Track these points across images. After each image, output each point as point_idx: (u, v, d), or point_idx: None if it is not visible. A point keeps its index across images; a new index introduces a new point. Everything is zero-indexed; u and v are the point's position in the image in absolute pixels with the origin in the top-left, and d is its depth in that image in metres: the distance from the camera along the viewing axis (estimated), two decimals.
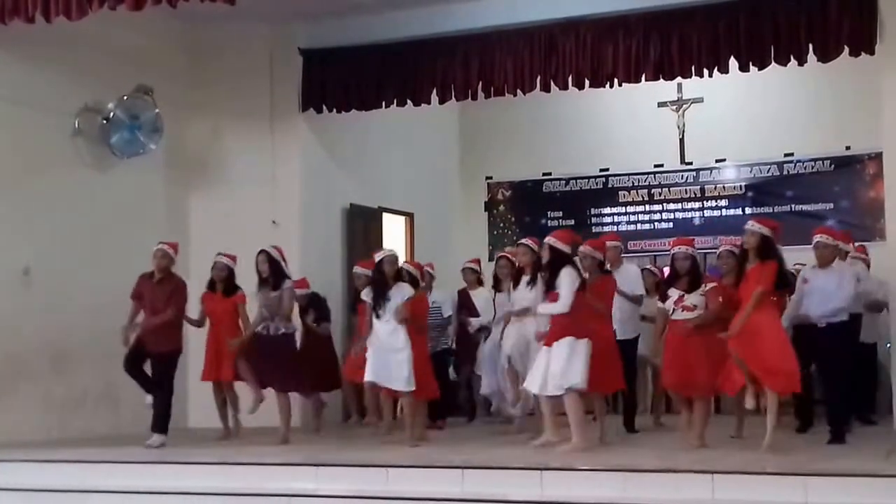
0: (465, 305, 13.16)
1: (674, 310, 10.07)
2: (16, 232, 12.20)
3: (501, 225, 17.11)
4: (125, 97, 13.26)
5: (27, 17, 11.21)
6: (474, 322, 12.87)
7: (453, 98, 14.21)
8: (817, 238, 10.63)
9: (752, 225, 9.68)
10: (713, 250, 16.03)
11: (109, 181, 13.41)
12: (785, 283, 10.11)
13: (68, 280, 12.18)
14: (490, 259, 14.82)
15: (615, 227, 16.27)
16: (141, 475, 9.80)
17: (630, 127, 16.92)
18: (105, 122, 13.20)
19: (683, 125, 16.69)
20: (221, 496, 9.19)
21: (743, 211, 16.38)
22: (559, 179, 17.43)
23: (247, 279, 11.97)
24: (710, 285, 10.22)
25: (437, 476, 8.90)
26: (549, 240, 10.15)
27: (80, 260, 12.42)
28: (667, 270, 11.75)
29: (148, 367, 11.17)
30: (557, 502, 8.33)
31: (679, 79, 13.73)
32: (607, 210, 16.78)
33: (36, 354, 12.14)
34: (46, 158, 12.77)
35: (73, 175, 13.07)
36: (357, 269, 12.64)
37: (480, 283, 13.43)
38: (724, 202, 16.63)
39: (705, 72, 12.87)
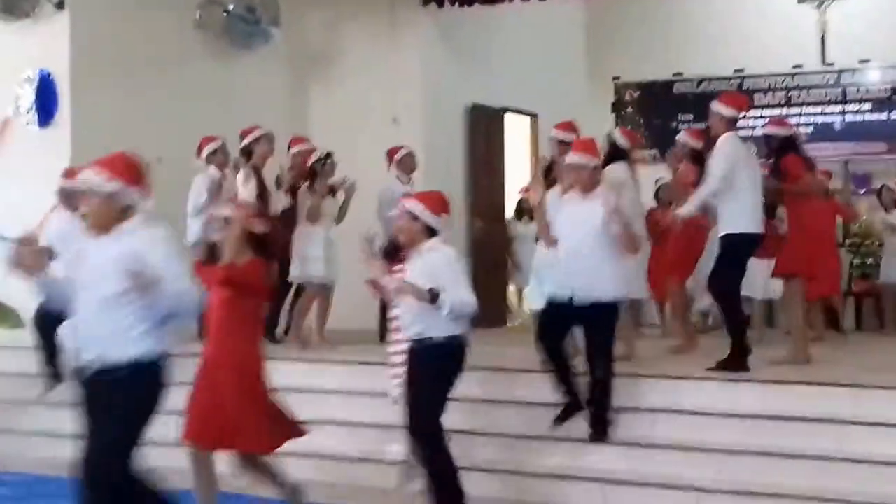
0: None
1: None
2: (146, 123, 12.39)
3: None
4: None
5: None
6: None
7: None
8: None
9: None
10: (855, 156, 16.01)
11: (231, 73, 13.69)
12: None
13: (189, 172, 12.02)
14: None
15: (751, 131, 16.07)
16: None
17: (767, 25, 16.89)
18: (226, 14, 13.36)
19: (825, 23, 16.60)
20: None
21: (888, 116, 16.48)
22: (690, 80, 17.49)
23: (364, 174, 12.21)
24: None
25: None
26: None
27: None
28: None
29: None
30: None
31: None
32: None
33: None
34: (170, 51, 13.01)
35: (196, 67, 13.32)
36: None
37: None
38: (867, 106, 16.71)
39: None
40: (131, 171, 6.36)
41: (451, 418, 7.70)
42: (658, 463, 8.52)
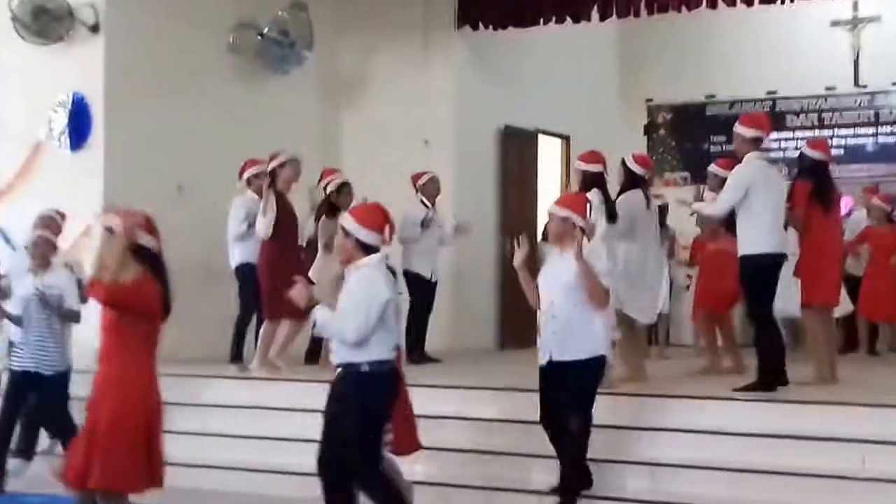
0: None
1: None
2: (180, 146, 12.56)
3: (661, 150, 17.22)
4: (280, 13, 13.44)
5: None
6: None
7: (614, 15, 14.27)
8: None
9: None
10: (888, 178, 15.96)
11: (263, 97, 13.69)
12: None
13: (221, 196, 12.02)
14: None
15: (782, 152, 16.10)
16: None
17: (800, 48, 16.71)
18: (259, 37, 13.40)
19: (858, 46, 16.46)
20: None
21: None
22: (723, 102, 17.34)
23: (396, 198, 11.85)
24: None
25: None
26: None
27: (233, 176, 12.32)
28: None
29: None
30: None
31: None
32: (774, 135, 15.87)
33: (193, 269, 11.93)
34: (204, 74, 13.05)
35: (230, 90, 13.35)
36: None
37: None
38: None
39: None
40: None
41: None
42: (681, 483, 8.47)
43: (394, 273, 7.43)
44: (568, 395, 8.10)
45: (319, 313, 6.99)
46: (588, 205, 8.57)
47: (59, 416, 9.48)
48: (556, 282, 8.08)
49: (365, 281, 6.84)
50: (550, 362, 8.03)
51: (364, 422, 6.84)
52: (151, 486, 6.74)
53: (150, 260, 6.70)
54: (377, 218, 7.04)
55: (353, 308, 6.76)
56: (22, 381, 9.44)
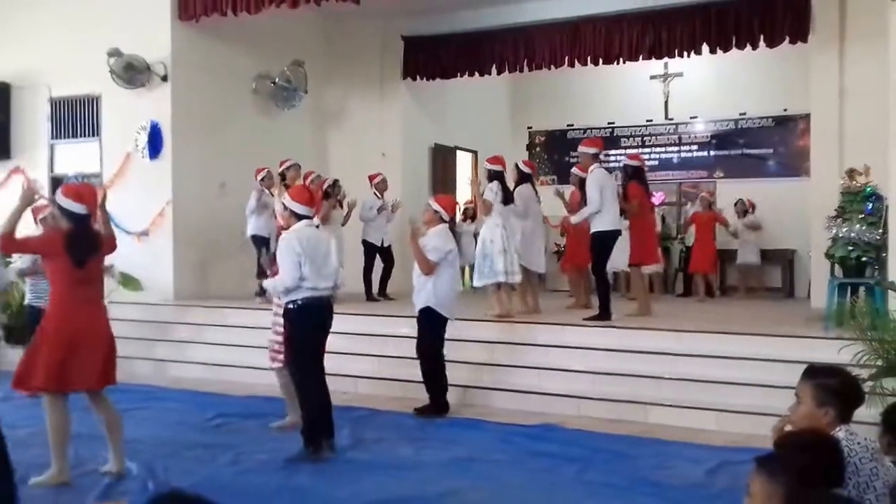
0: None
1: None
2: (220, 158, 12.56)
3: (538, 161, 17.15)
4: (285, 68, 13.45)
5: (221, 11, 11.62)
6: None
7: (506, 71, 14.29)
8: None
9: None
10: (687, 180, 16.57)
11: (275, 124, 13.62)
12: None
13: (247, 190, 11.97)
14: None
15: (618, 163, 16.17)
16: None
17: (630, 92, 16.74)
18: (272, 84, 13.44)
19: (668, 92, 16.59)
20: None
21: (709, 153, 16.39)
22: (579, 129, 17.25)
23: (363, 192, 12.40)
24: None
25: None
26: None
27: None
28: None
29: None
30: None
31: (666, 59, 13.86)
32: (613, 152, 16.43)
33: (229, 239, 12.37)
34: (234, 108, 13.03)
35: (252, 121, 13.28)
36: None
37: None
38: (695, 147, 16.57)
39: (685, 54, 12.96)
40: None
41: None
42: (554, 381, 8.52)
43: None
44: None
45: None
46: (455, 204, 8.38)
47: None
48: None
49: (285, 243, 6.48)
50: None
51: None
52: (79, 387, 5.86)
53: (74, 217, 5.82)
54: (304, 194, 6.72)
55: (284, 262, 6.43)
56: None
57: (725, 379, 7.92)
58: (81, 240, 5.85)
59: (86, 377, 5.83)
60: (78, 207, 5.84)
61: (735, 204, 14.77)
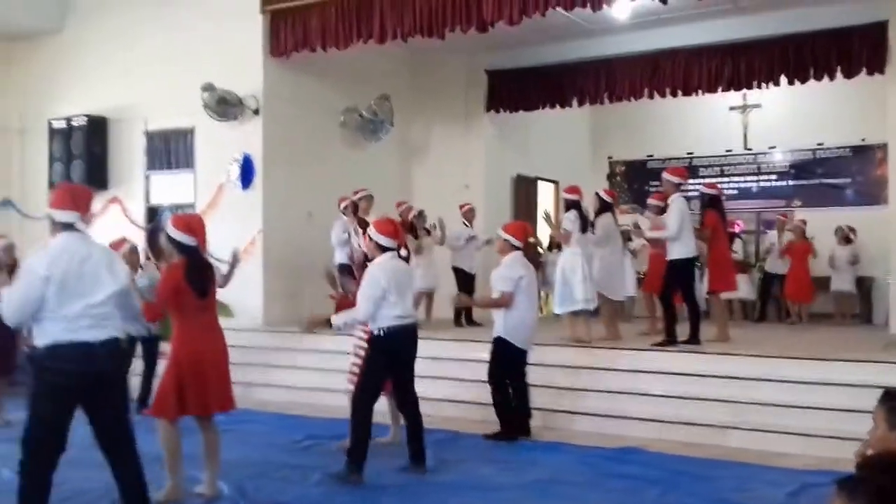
0: None
1: None
2: (308, 188, 12.62)
3: (617, 190, 17.11)
4: (372, 102, 13.54)
5: (311, 48, 11.85)
6: None
7: (587, 102, 14.33)
8: None
9: None
10: (767, 209, 16.36)
11: (362, 157, 13.69)
12: None
13: (334, 219, 11.90)
14: None
15: (697, 192, 16.09)
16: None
17: (708, 123, 16.70)
18: (360, 117, 13.52)
19: (747, 122, 16.50)
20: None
21: (787, 182, 16.29)
22: (659, 159, 17.29)
23: (449, 223, 12.47)
24: None
25: None
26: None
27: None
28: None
29: None
30: None
31: (745, 90, 13.78)
32: (691, 181, 15.69)
33: (315, 267, 12.10)
34: (323, 140, 13.13)
35: (340, 152, 13.37)
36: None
37: None
38: (773, 176, 16.48)
39: (763, 85, 12.95)
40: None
41: None
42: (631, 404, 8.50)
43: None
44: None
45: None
46: (528, 230, 8.32)
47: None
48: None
49: (371, 275, 6.48)
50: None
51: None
52: (197, 412, 5.87)
53: (187, 250, 5.83)
54: (391, 227, 6.66)
55: (363, 293, 6.43)
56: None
57: (805, 403, 7.87)
58: (200, 271, 5.87)
59: (208, 401, 5.84)
60: (188, 240, 5.83)
61: (835, 232, 14.55)
